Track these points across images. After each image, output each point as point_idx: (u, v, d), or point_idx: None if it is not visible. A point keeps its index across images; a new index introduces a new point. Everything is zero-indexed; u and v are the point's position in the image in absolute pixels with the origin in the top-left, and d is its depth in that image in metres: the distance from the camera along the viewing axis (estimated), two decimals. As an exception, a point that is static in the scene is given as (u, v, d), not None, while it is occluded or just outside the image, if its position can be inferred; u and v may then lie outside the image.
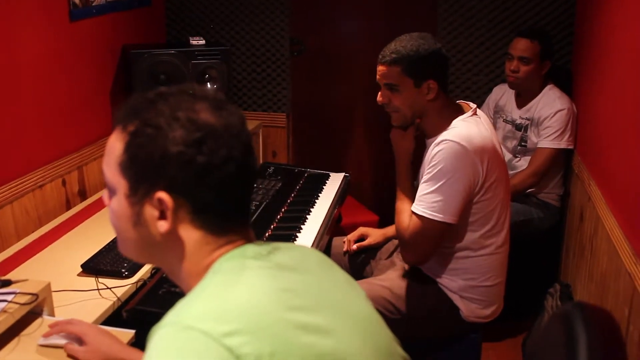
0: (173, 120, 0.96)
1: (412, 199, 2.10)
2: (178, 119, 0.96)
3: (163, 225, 0.99)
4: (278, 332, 0.89)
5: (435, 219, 1.98)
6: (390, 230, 2.54)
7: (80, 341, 1.53)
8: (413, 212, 2.03)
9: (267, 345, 0.86)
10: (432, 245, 2.04)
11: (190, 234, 1.00)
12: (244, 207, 1.06)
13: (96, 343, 1.50)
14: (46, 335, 1.60)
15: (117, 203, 1.03)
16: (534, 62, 3.03)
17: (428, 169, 2.00)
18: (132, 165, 0.99)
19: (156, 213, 0.99)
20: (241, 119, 1.03)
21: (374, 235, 2.53)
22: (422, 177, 2.10)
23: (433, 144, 2.02)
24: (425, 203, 2.00)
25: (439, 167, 1.97)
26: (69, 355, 1.54)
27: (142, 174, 0.98)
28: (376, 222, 3.48)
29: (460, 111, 2.09)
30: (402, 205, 2.13)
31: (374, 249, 2.52)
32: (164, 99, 1.00)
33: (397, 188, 2.18)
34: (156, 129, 0.96)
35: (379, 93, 2.11)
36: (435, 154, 1.98)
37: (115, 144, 1.01)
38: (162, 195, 0.97)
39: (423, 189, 2.01)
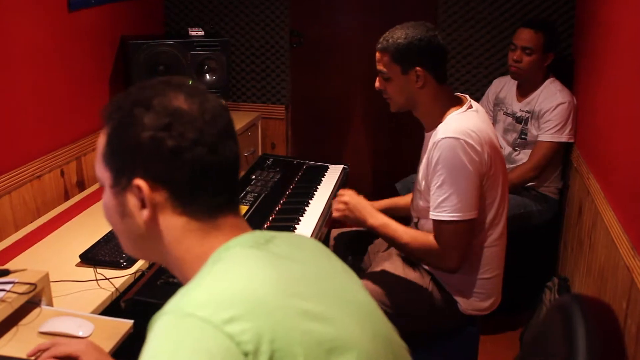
0: (147, 109, 0.99)
1: (404, 225, 2.11)
2: (151, 107, 0.99)
3: (144, 214, 1.01)
4: (278, 319, 0.89)
5: (462, 219, 1.97)
6: (374, 204, 2.52)
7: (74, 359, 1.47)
8: (439, 221, 2.00)
9: (268, 331, 0.87)
10: (467, 244, 2.03)
11: (173, 221, 1.01)
12: (226, 192, 1.05)
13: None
14: (32, 354, 1.54)
15: (106, 196, 1.06)
16: (537, 53, 3.02)
17: (437, 173, 1.98)
18: (112, 156, 1.03)
19: (138, 202, 1.01)
20: (217, 105, 1.04)
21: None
22: (421, 171, 2.10)
23: (432, 141, 2.01)
24: (448, 208, 1.98)
25: (447, 169, 1.95)
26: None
27: (121, 163, 1.02)
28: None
29: (456, 102, 2.08)
30: (408, 234, 2.09)
31: (372, 236, 2.51)
32: (141, 90, 1.04)
33: (386, 232, 2.12)
34: (131, 118, 1.00)
35: (377, 79, 2.14)
36: (438, 157, 1.97)
37: (100, 139, 1.05)
38: (139, 182, 0.99)
39: (439, 195, 1.98)
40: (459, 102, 2.09)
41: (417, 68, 2.03)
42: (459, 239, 2.01)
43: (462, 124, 1.98)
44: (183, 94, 1.02)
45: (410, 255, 2.15)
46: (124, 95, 1.04)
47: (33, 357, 1.53)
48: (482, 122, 2.04)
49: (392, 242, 2.13)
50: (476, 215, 2.01)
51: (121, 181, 1.02)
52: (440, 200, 1.99)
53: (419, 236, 2.10)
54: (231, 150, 1.04)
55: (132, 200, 1.02)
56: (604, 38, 2.60)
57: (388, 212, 2.56)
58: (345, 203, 2.21)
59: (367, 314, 1.06)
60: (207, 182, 1.01)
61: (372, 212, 2.17)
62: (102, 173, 1.05)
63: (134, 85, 1.07)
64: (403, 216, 2.59)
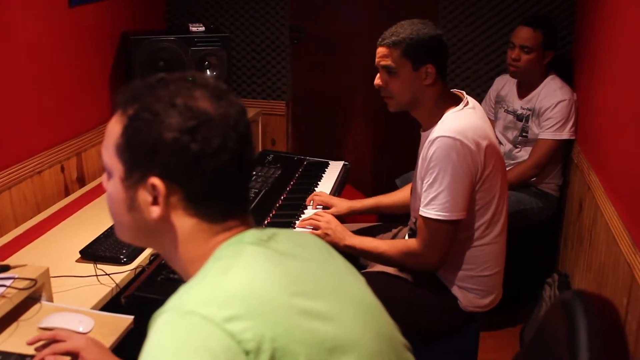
0: (170, 107, 0.97)
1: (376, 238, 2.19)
2: (175, 106, 0.97)
3: (155, 211, 0.99)
4: (280, 317, 0.89)
5: (450, 218, 1.98)
6: (357, 203, 2.53)
7: (75, 356, 1.46)
8: (426, 218, 2.00)
9: (269, 330, 0.86)
10: (448, 244, 2.04)
11: (183, 221, 1.00)
12: (240, 196, 1.06)
13: (93, 357, 1.44)
14: (31, 342, 1.55)
15: (113, 186, 1.04)
16: (536, 52, 3.01)
17: (430, 171, 1.98)
18: (128, 149, 0.99)
19: (149, 198, 0.99)
20: (240, 110, 1.03)
21: (339, 206, 2.51)
22: (418, 173, 2.09)
23: (428, 140, 2.01)
24: (436, 206, 1.98)
25: (439, 167, 1.95)
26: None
27: (137, 159, 0.99)
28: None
29: (454, 100, 2.08)
30: (385, 243, 2.15)
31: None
32: (164, 84, 1.00)
33: (365, 246, 2.16)
34: (153, 114, 0.97)
35: (377, 76, 2.11)
36: (432, 154, 1.97)
37: (114, 127, 1.01)
38: (155, 181, 0.97)
39: (430, 192, 1.99)
40: (456, 100, 2.09)
41: (428, 65, 2.02)
42: (441, 238, 2.01)
43: (458, 123, 1.97)
44: (209, 95, 0.99)
45: (390, 262, 2.15)
46: (143, 86, 1.01)
47: (33, 347, 1.53)
48: (480, 119, 2.04)
49: (371, 253, 2.17)
50: (464, 216, 2.00)
51: (134, 175, 0.99)
52: (430, 198, 1.99)
53: (396, 242, 2.15)
54: (250, 156, 1.04)
55: (143, 196, 1.00)
56: (605, 34, 2.60)
57: (373, 211, 2.57)
58: (327, 222, 2.26)
59: (370, 312, 1.06)
60: (224, 188, 1.00)
61: (349, 233, 2.23)
62: (113, 163, 1.02)
63: (152, 76, 1.03)
64: (388, 215, 2.60)
